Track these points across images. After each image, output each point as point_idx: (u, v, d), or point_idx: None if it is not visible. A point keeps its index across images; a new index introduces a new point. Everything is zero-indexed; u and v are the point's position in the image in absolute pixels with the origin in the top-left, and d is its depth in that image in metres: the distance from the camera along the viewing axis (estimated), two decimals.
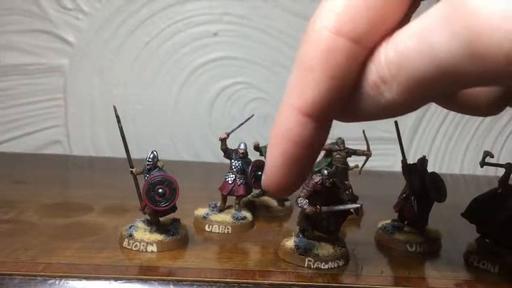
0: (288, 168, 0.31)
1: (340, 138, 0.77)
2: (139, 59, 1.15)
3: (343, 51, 0.27)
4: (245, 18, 1.15)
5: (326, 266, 0.55)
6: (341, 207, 0.57)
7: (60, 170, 1.02)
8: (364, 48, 0.28)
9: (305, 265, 0.56)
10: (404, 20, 0.29)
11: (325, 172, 0.57)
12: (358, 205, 0.57)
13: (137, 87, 1.16)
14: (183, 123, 1.18)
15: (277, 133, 0.31)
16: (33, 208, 0.70)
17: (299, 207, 0.58)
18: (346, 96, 0.29)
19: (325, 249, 0.57)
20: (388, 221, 0.68)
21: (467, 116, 1.19)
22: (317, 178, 0.58)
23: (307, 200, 0.57)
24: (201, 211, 0.69)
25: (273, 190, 0.33)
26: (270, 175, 0.32)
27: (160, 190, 0.56)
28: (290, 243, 0.59)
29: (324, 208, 0.56)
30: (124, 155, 1.12)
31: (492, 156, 0.63)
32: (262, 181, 0.33)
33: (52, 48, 1.13)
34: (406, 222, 0.66)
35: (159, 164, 0.58)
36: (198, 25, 1.15)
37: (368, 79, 0.27)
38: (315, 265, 0.55)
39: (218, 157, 1.16)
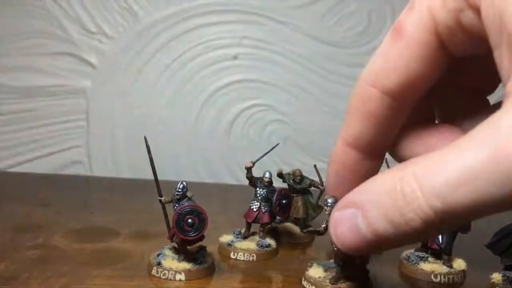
0: (337, 184, 0.38)
1: None
2: (160, 81, 1.17)
3: (375, 100, 0.33)
4: (264, 41, 1.17)
5: None
6: None
7: (83, 192, 1.03)
8: (396, 100, 0.33)
9: None
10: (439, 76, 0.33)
11: (329, 200, 0.58)
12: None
13: (157, 109, 1.18)
14: (202, 144, 1.19)
15: (330, 155, 0.38)
16: (61, 233, 0.72)
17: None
18: (384, 135, 0.35)
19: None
20: (412, 251, 0.68)
21: None
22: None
23: None
24: (226, 238, 0.70)
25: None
26: (327, 188, 0.40)
27: (189, 220, 0.57)
28: None
29: None
30: (144, 177, 1.14)
31: None
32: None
33: (76, 70, 1.15)
34: (429, 251, 0.66)
35: (188, 194, 0.59)
36: (218, 48, 1.17)
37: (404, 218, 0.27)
38: None
39: (237, 178, 1.18)
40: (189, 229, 0.57)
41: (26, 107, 1.15)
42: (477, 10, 0.27)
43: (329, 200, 0.58)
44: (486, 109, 0.34)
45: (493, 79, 0.35)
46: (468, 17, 0.28)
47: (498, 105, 0.35)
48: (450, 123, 0.35)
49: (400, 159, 0.36)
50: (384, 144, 0.36)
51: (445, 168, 0.25)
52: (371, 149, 0.36)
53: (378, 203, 0.28)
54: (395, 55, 0.32)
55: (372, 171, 0.37)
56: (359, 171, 0.36)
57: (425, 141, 0.35)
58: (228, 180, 1.19)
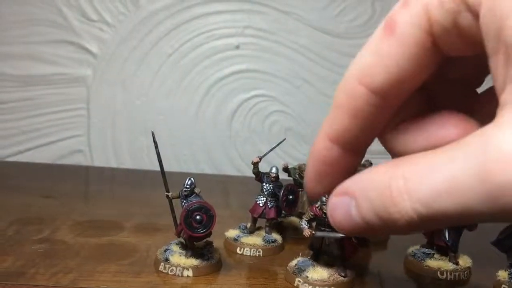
0: (316, 179, 0.37)
1: (367, 161, 0.78)
2: (161, 70, 1.16)
3: (362, 97, 0.32)
4: (267, 32, 1.16)
5: None
6: (330, 234, 0.57)
7: (85, 183, 1.03)
8: (383, 99, 0.32)
9: (295, 285, 0.57)
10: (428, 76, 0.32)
11: (323, 198, 0.58)
12: (340, 235, 0.57)
13: (158, 99, 1.17)
14: (204, 134, 1.19)
15: (312, 150, 0.37)
16: (65, 226, 0.72)
17: (300, 228, 0.60)
18: (368, 132, 0.34)
19: (318, 273, 0.58)
20: (417, 247, 0.68)
21: None
22: (316, 203, 0.58)
23: (306, 223, 0.59)
24: (232, 233, 0.70)
25: (308, 194, 0.40)
26: (306, 182, 0.39)
27: (197, 217, 0.57)
28: (294, 262, 0.61)
29: (318, 233, 0.57)
30: (145, 167, 1.14)
31: None
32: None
33: (76, 58, 1.14)
34: (435, 248, 0.67)
35: (196, 190, 0.59)
36: (221, 38, 1.16)
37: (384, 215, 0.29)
38: (303, 286, 0.56)
39: (238, 169, 1.18)
40: (197, 226, 0.57)
41: (26, 95, 1.14)
42: (475, 14, 0.27)
43: (323, 198, 0.58)
44: (475, 99, 0.35)
45: (481, 75, 0.35)
46: (465, 19, 0.28)
47: (487, 94, 0.34)
48: (445, 111, 0.34)
49: (395, 154, 0.35)
50: (367, 140, 0.36)
51: (431, 176, 0.26)
52: (353, 146, 0.35)
53: (369, 197, 0.30)
54: (385, 52, 0.30)
55: (353, 167, 0.37)
56: (340, 166, 0.37)
57: (421, 132, 0.34)
58: (229, 171, 1.19)
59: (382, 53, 0.31)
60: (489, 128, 0.25)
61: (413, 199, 0.27)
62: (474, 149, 0.25)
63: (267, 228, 0.70)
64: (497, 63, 0.26)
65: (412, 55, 0.30)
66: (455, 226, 0.64)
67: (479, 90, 0.37)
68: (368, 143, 0.36)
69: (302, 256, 0.61)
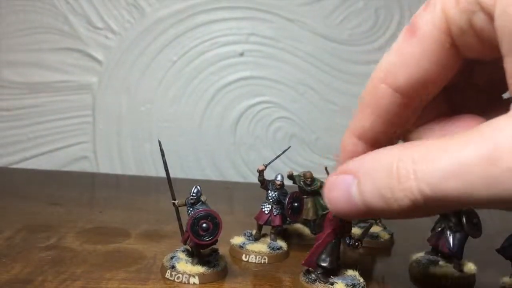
0: None
1: None
2: (166, 78, 1.17)
3: (386, 96, 0.33)
4: (272, 39, 1.16)
5: None
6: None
7: (91, 189, 1.04)
8: (405, 97, 0.33)
9: None
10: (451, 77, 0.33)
11: None
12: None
13: (163, 105, 1.18)
14: (208, 141, 1.19)
15: (340, 146, 0.38)
16: (72, 233, 0.72)
17: (353, 247, 0.57)
18: (393, 130, 0.35)
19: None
20: (422, 254, 0.68)
21: None
22: None
23: (351, 239, 0.57)
24: (237, 240, 0.70)
25: None
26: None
27: (204, 225, 0.57)
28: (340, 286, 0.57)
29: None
30: (149, 174, 1.15)
31: None
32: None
33: (82, 66, 1.15)
34: (439, 254, 0.67)
35: (202, 198, 0.60)
36: (225, 45, 1.17)
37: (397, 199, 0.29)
38: None
39: (242, 175, 1.18)
40: (204, 233, 0.58)
41: (32, 102, 1.15)
42: (490, 15, 0.27)
43: None
44: (500, 105, 0.35)
45: (504, 82, 0.36)
46: (480, 19, 0.28)
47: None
48: (471, 114, 0.35)
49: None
50: (392, 138, 0.36)
51: (441, 158, 0.26)
52: (379, 142, 0.36)
53: (374, 177, 0.30)
54: (407, 52, 0.31)
55: None
56: None
57: (443, 134, 0.34)
58: (233, 177, 1.19)
59: (404, 53, 0.32)
60: (502, 119, 0.26)
61: (420, 179, 0.27)
62: (486, 137, 0.26)
63: (272, 235, 0.71)
64: (511, 63, 0.27)
65: (432, 55, 0.31)
66: (460, 234, 0.64)
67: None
68: (393, 141, 0.37)
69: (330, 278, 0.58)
